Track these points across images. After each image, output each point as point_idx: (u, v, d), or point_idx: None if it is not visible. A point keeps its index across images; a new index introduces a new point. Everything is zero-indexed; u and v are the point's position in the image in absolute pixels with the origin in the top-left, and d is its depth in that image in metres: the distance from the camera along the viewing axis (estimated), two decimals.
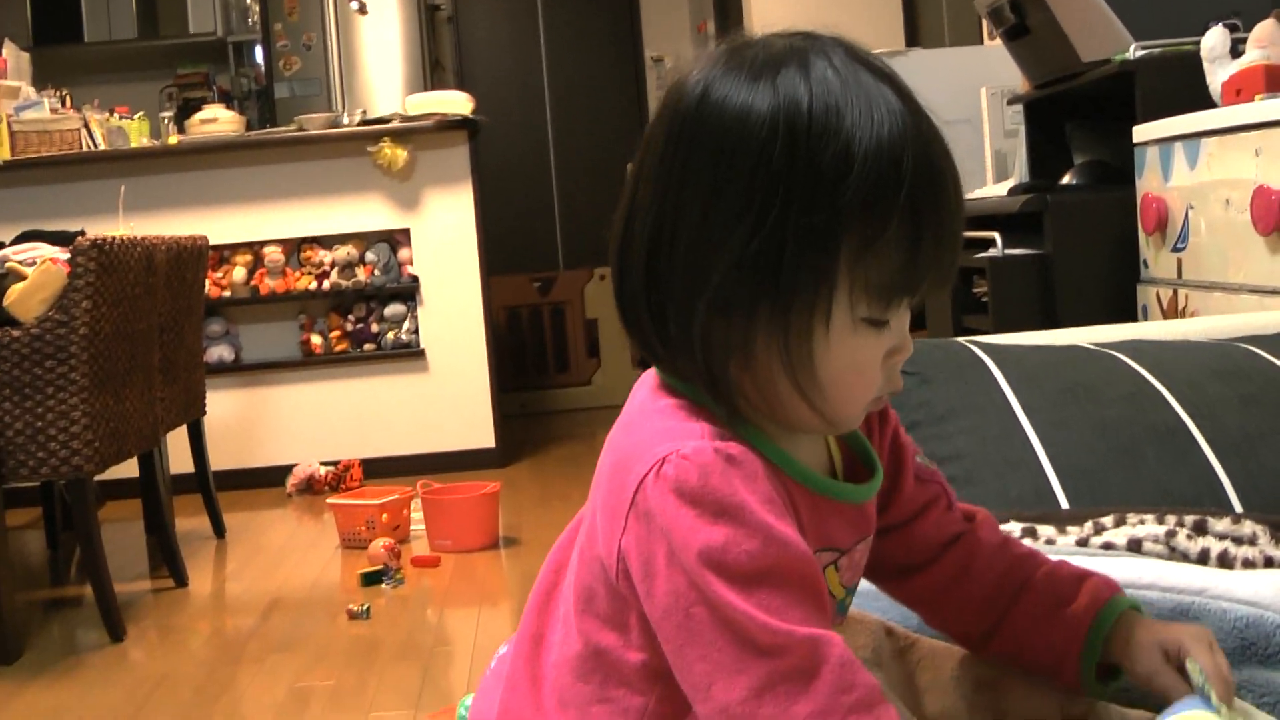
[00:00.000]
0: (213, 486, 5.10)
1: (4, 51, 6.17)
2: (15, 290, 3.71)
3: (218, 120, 6.35)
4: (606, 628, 1.06)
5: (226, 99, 8.83)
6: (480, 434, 6.21)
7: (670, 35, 9.39)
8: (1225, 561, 1.39)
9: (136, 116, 6.46)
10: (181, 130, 6.56)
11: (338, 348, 6.27)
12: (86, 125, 6.02)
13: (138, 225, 5.22)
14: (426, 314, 6.23)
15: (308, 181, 6.15)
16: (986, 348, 1.86)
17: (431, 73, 8.51)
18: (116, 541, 4.97)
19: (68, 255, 3.77)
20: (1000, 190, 4.06)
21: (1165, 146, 3.07)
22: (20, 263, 3.85)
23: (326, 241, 6.25)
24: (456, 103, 6.18)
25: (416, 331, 6.25)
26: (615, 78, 9.49)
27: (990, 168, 4.68)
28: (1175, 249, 3.05)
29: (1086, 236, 3.37)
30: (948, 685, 1.23)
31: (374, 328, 6.27)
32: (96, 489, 4.04)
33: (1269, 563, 1.40)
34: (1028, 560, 1.23)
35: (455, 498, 4.69)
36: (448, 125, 6.06)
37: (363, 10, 8.39)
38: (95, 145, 6.05)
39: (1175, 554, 1.40)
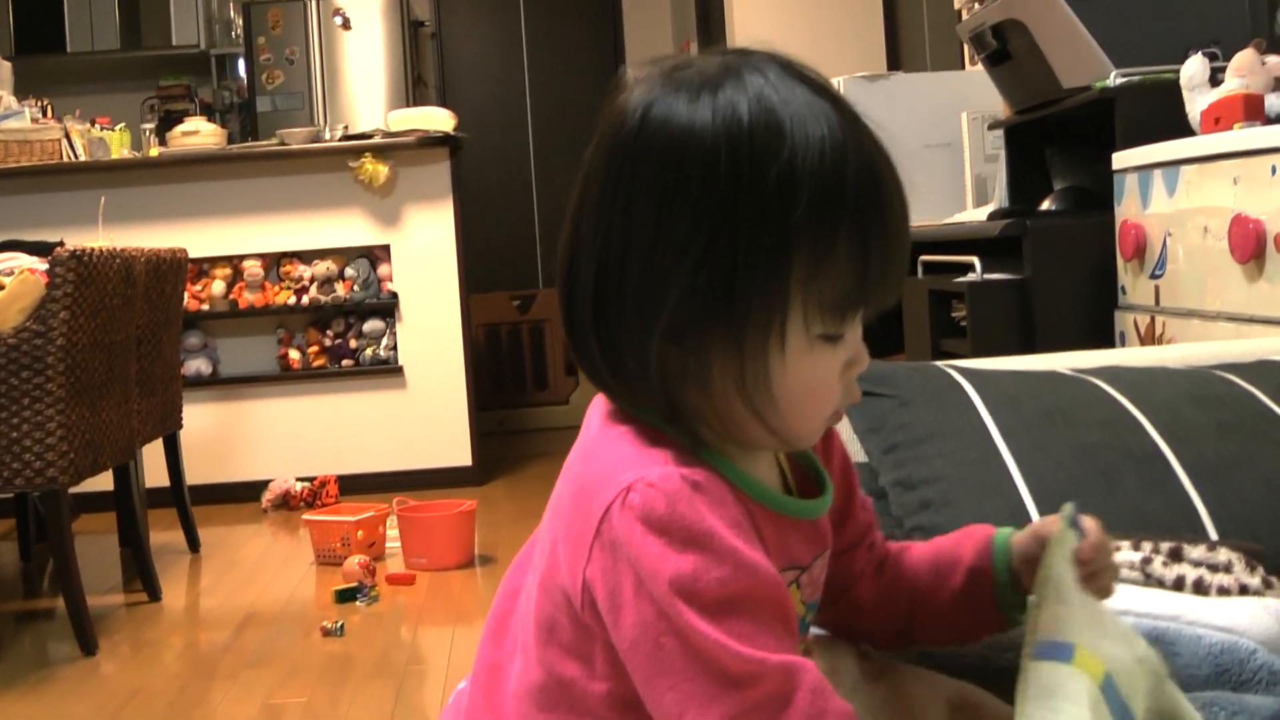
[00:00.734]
0: (188, 500, 5.08)
1: None
2: None
3: (199, 133, 6.35)
4: (569, 658, 1.04)
5: (208, 111, 8.83)
6: (457, 452, 6.20)
7: (653, 54, 9.39)
8: (1200, 589, 1.40)
9: (118, 128, 6.45)
10: (163, 142, 6.55)
11: (316, 363, 6.26)
12: (67, 136, 6.01)
13: (117, 237, 5.21)
14: (405, 330, 6.22)
15: (288, 196, 6.15)
16: (964, 371, 1.86)
17: (414, 89, 8.51)
18: (90, 554, 4.95)
19: (46, 266, 3.76)
20: (980, 215, 4.07)
21: (1144, 173, 3.09)
22: None
23: (306, 256, 6.25)
24: (438, 119, 6.19)
25: (395, 348, 6.24)
26: (598, 97, 9.35)
27: (970, 192, 4.70)
28: (1153, 276, 3.06)
29: (1065, 262, 3.38)
30: (922, 710, 1.23)
31: (352, 343, 6.26)
32: (71, 501, 4.03)
33: (1244, 590, 1.40)
34: (924, 553, 1.26)
35: (431, 515, 4.68)
36: (429, 142, 6.07)
37: (346, 25, 8.39)
38: (76, 156, 6.04)
39: (1150, 580, 1.40)
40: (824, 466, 1.17)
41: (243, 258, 6.20)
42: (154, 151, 6.32)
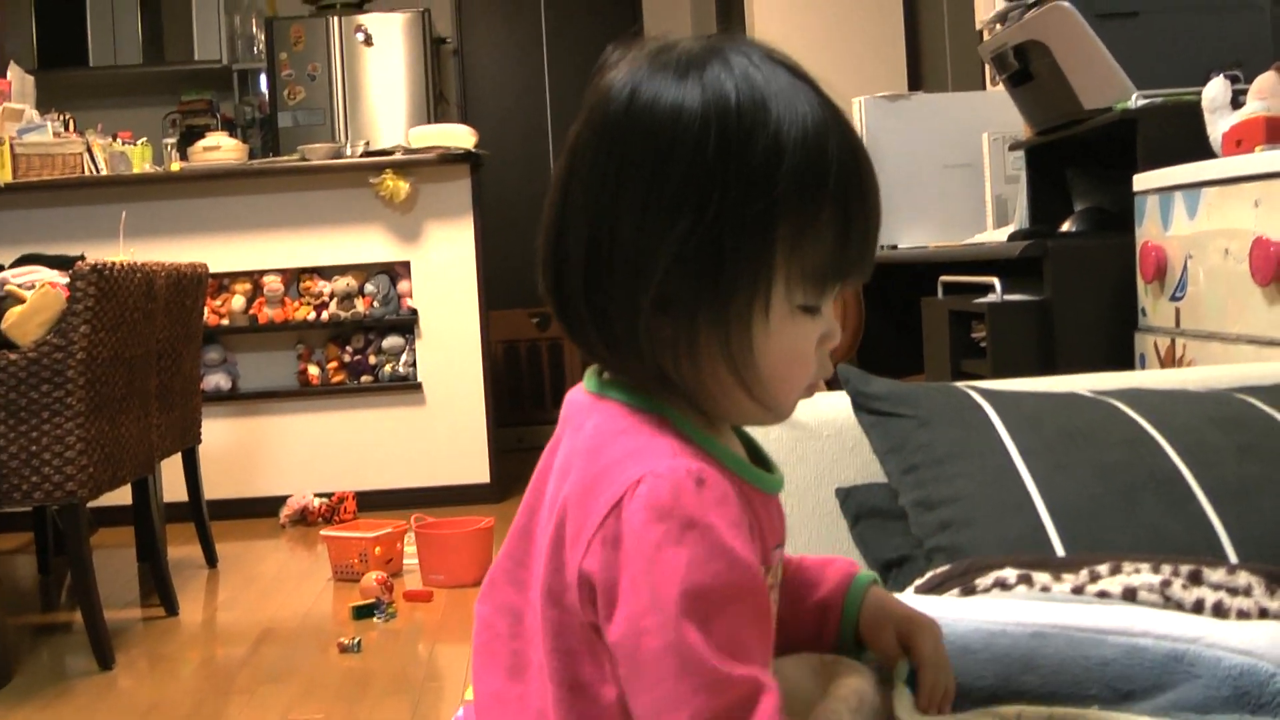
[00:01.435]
0: (206, 515, 5.09)
1: (9, 74, 6.19)
2: (13, 313, 3.72)
3: (220, 148, 6.37)
4: (581, 662, 1.04)
5: (230, 127, 8.86)
6: (476, 468, 6.21)
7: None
8: (1220, 612, 1.39)
9: (139, 142, 6.48)
10: (184, 157, 6.57)
11: (335, 379, 6.27)
12: (89, 149, 6.04)
13: (138, 251, 5.23)
14: (424, 347, 6.23)
15: (309, 211, 6.16)
16: (984, 392, 1.86)
17: (435, 105, 8.53)
18: (108, 568, 4.96)
19: (67, 279, 3.78)
20: (1000, 235, 4.07)
21: (1165, 195, 3.08)
22: (19, 286, 3.85)
23: (326, 272, 6.26)
24: (459, 136, 6.20)
25: (414, 364, 6.25)
26: None
27: (991, 213, 4.69)
28: (1174, 298, 3.05)
29: (1085, 283, 3.37)
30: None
31: (372, 359, 6.27)
32: (89, 515, 4.04)
33: (1263, 614, 1.40)
34: (790, 561, 1.26)
35: (449, 532, 4.68)
36: (450, 158, 6.08)
37: (368, 42, 8.42)
38: (97, 170, 6.07)
39: (1170, 603, 1.39)
40: None
41: (263, 273, 6.22)
42: (175, 166, 6.35)
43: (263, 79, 9.00)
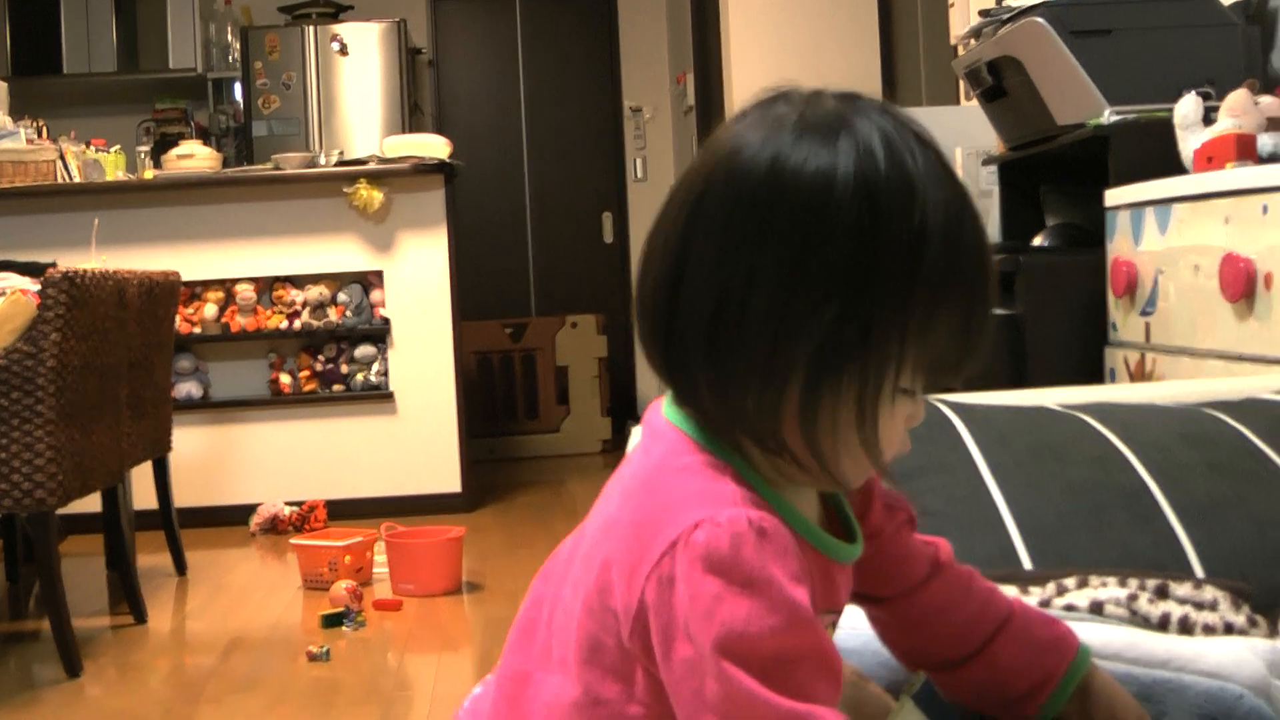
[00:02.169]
0: (176, 523, 5.07)
1: None
2: None
3: (194, 156, 6.35)
4: (610, 679, 1.04)
5: (204, 135, 8.83)
6: (447, 478, 6.20)
7: (649, 85, 9.44)
8: (1186, 627, 1.40)
9: (113, 150, 6.45)
10: (158, 165, 6.55)
11: (307, 388, 6.26)
12: (62, 157, 6.02)
13: (110, 259, 5.21)
14: (397, 356, 6.22)
15: (282, 220, 6.15)
16: (955, 406, 1.86)
17: (410, 116, 8.53)
18: (77, 576, 4.94)
19: (38, 287, 3.76)
20: None
21: (1137, 211, 3.10)
22: None
23: (299, 281, 6.25)
24: (434, 146, 6.20)
25: (386, 374, 6.24)
26: (593, 127, 9.53)
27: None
28: (1144, 313, 3.07)
29: (1057, 298, 3.39)
30: None
31: (344, 369, 6.27)
32: (59, 523, 4.02)
33: (1229, 629, 1.40)
34: (998, 596, 1.25)
35: (419, 542, 4.68)
36: (424, 169, 6.08)
37: (344, 51, 8.41)
38: (70, 177, 6.05)
39: (1136, 618, 1.40)
40: (855, 506, 1.17)
41: (235, 281, 6.20)
42: (149, 174, 6.33)
43: (237, 88, 8.98)
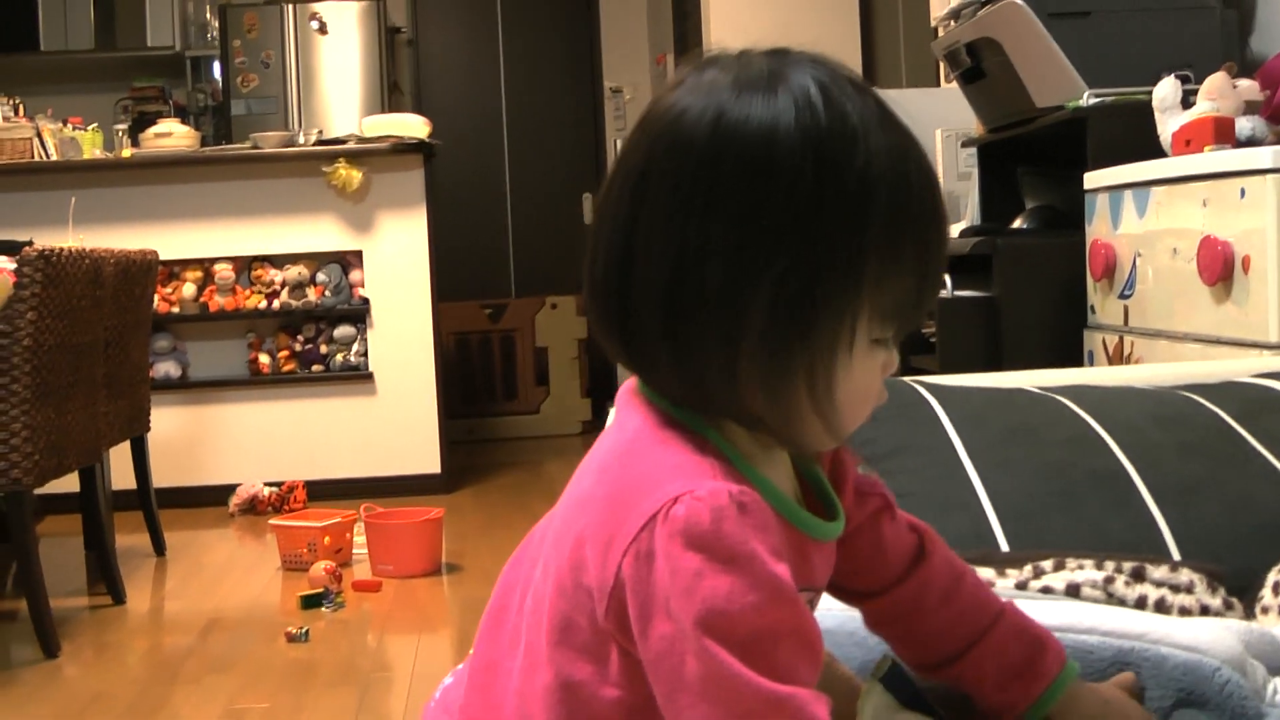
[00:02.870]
0: (154, 503, 5.06)
1: None
2: None
3: (172, 135, 6.32)
4: (582, 660, 1.02)
5: (182, 114, 8.79)
6: (426, 459, 6.19)
7: (629, 66, 9.42)
8: (1162, 609, 1.40)
9: (90, 128, 6.43)
10: (135, 143, 6.52)
11: (285, 368, 6.24)
12: (39, 135, 5.99)
13: (87, 238, 5.19)
14: (376, 337, 6.21)
15: (261, 200, 6.13)
16: (931, 388, 1.87)
17: (389, 95, 8.50)
18: (54, 557, 4.92)
19: (14, 265, 3.74)
20: (952, 232, 4.09)
21: (1115, 194, 3.10)
22: None
23: (278, 261, 6.23)
24: (413, 126, 6.18)
25: (365, 354, 6.23)
26: (573, 107, 9.51)
27: (939, 197, 4.71)
28: (1122, 296, 3.07)
29: (1035, 281, 3.40)
30: None
31: (323, 349, 6.25)
32: (35, 503, 4.00)
33: (1205, 610, 1.41)
34: (986, 596, 1.23)
35: (398, 522, 4.67)
36: (403, 148, 6.06)
37: (323, 30, 8.38)
38: (47, 155, 6.02)
39: (1113, 600, 1.40)
40: (833, 484, 1.16)
41: (214, 261, 6.18)
42: (126, 153, 6.30)
43: (216, 66, 8.94)
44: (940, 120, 4.74)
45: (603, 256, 1.03)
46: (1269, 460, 1.73)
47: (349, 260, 6.24)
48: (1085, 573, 1.43)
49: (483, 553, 4.85)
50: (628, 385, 1.11)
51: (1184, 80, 3.12)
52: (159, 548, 5.09)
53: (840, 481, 1.19)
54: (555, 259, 9.08)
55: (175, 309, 6.17)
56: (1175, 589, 1.43)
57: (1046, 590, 1.42)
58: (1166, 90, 3.10)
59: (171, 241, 5.98)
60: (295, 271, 6.18)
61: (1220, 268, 2.61)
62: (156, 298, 5.73)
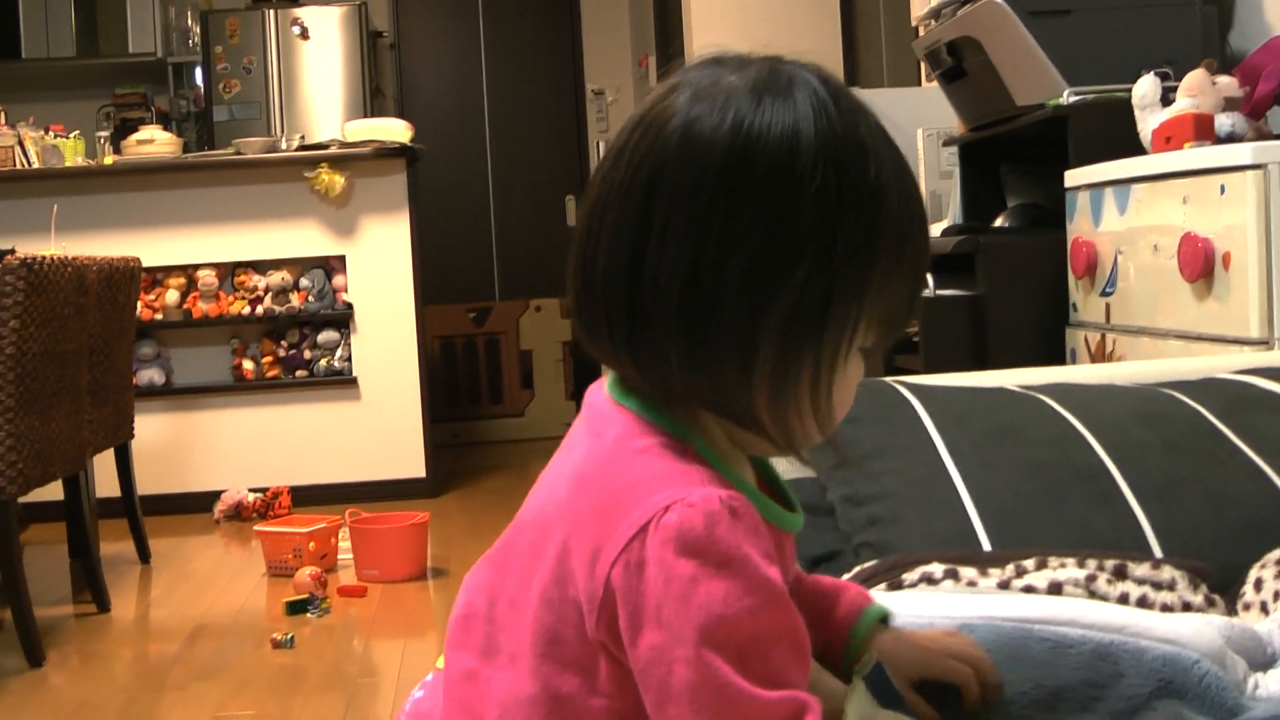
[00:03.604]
0: (139, 511, 5.05)
1: None
2: None
3: (154, 141, 6.31)
4: (569, 672, 1.02)
5: (164, 120, 8.77)
6: (411, 464, 6.18)
7: (611, 68, 9.42)
8: (1144, 606, 1.40)
9: (72, 135, 6.41)
10: (117, 150, 6.51)
11: (270, 374, 6.24)
12: (21, 142, 5.98)
13: (70, 245, 5.18)
14: (360, 342, 6.21)
15: (244, 205, 6.13)
16: (913, 388, 1.87)
17: (372, 99, 8.50)
18: (39, 565, 4.91)
19: None
20: (934, 231, 4.09)
21: (1096, 191, 3.11)
22: None
23: (261, 266, 6.23)
24: (395, 130, 6.18)
25: (349, 359, 6.22)
26: (555, 110, 9.51)
27: (925, 208, 4.72)
28: (1104, 293, 3.08)
29: (1018, 279, 3.40)
30: None
31: (307, 354, 6.24)
32: (20, 511, 3.99)
33: (1186, 608, 1.41)
34: (806, 582, 1.24)
35: (383, 527, 4.67)
36: (386, 153, 6.06)
37: (305, 35, 8.37)
38: (29, 163, 6.01)
39: (1095, 598, 1.40)
40: None
41: (197, 267, 6.17)
42: (109, 159, 6.28)
43: (198, 72, 8.93)
44: (922, 119, 4.74)
45: (603, 260, 1.02)
46: (1250, 457, 1.74)
47: (332, 265, 6.23)
48: (1067, 571, 1.43)
49: (468, 557, 4.84)
50: (595, 389, 1.10)
51: (1164, 77, 3.12)
52: (144, 555, 5.07)
53: None
54: (539, 262, 9.07)
55: (159, 316, 6.16)
56: (1157, 586, 1.43)
57: (1029, 589, 1.42)
58: (1146, 87, 3.10)
59: (154, 248, 5.97)
60: (279, 277, 6.17)
61: (1201, 264, 2.61)
62: (140, 305, 5.71)
